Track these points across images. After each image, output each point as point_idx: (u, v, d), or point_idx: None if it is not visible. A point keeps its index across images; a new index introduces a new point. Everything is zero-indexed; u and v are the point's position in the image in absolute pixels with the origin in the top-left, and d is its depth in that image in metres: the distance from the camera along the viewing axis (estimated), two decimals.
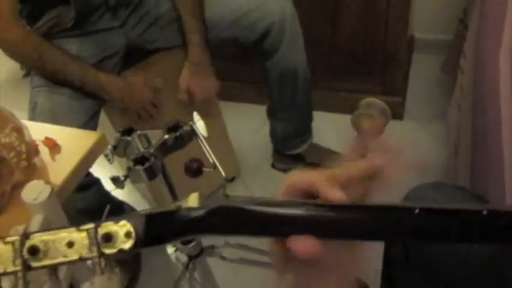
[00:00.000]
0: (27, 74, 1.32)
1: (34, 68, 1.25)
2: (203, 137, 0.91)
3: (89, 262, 0.32)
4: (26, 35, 1.19)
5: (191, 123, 0.91)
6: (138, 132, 0.89)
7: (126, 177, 0.85)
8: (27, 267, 0.32)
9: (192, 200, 0.34)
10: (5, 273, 0.31)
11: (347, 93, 1.84)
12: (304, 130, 1.67)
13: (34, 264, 0.32)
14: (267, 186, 1.71)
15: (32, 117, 1.21)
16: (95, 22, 1.30)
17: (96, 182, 1.34)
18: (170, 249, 1.35)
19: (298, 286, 0.38)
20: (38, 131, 0.90)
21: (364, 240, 0.35)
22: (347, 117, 1.59)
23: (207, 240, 1.13)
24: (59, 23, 1.27)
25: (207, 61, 1.37)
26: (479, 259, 0.61)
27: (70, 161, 0.87)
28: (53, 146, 0.90)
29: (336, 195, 0.34)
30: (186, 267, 1.11)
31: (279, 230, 0.34)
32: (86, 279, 0.34)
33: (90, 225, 0.32)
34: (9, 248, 0.31)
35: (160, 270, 1.52)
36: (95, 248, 0.32)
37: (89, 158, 0.89)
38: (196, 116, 0.93)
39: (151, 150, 0.86)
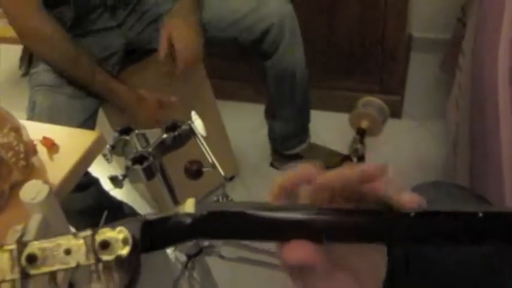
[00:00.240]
0: (25, 74, 1.32)
1: (62, 65, 1.22)
2: (201, 136, 0.91)
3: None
4: (59, 30, 1.18)
5: (189, 122, 0.91)
6: (137, 131, 0.89)
7: (124, 176, 0.85)
8: (25, 275, 0.32)
9: (189, 206, 0.35)
10: (4, 281, 0.32)
11: (345, 92, 1.84)
12: (302, 130, 1.67)
13: (32, 271, 0.32)
14: (266, 185, 1.71)
15: (31, 117, 1.21)
16: (93, 22, 1.30)
17: (95, 181, 1.33)
18: (169, 249, 1.35)
19: None
20: (36, 130, 0.90)
21: (360, 243, 0.35)
22: (345, 116, 1.60)
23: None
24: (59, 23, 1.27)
25: (195, 18, 1.29)
26: (480, 258, 0.61)
27: (68, 161, 0.87)
28: (51, 146, 0.90)
29: (330, 176, 0.34)
30: (185, 266, 1.11)
31: (277, 235, 0.34)
32: (85, 283, 0.34)
33: (87, 233, 0.32)
34: (7, 255, 0.32)
35: (159, 270, 1.52)
36: (92, 256, 0.32)
37: (87, 158, 0.89)
38: (194, 115, 0.93)
39: (150, 150, 0.86)
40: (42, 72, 1.25)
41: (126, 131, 0.90)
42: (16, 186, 0.78)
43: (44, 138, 0.91)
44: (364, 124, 1.54)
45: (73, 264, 0.32)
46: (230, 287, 1.41)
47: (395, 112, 1.80)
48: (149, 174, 0.85)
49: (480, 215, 0.32)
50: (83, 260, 0.32)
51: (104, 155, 0.90)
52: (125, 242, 0.32)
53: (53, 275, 0.33)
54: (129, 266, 0.33)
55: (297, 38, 1.41)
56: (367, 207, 0.34)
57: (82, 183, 1.20)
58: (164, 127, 0.89)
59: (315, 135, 1.72)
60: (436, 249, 0.64)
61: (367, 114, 1.54)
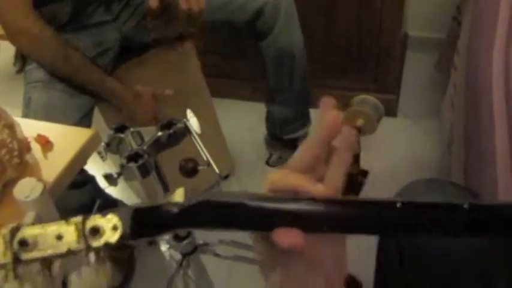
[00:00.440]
0: (20, 71, 1.31)
1: (53, 65, 1.21)
2: (196, 134, 0.91)
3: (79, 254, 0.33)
4: (48, 30, 1.17)
5: (184, 120, 0.91)
6: (131, 129, 0.89)
7: (119, 174, 0.85)
8: (17, 259, 0.32)
9: (178, 195, 0.36)
10: None
11: (341, 91, 1.84)
12: (303, 113, 1.66)
13: (24, 256, 0.33)
14: (261, 183, 1.71)
15: (26, 114, 1.20)
16: (89, 16, 1.30)
17: (91, 179, 1.33)
18: (164, 247, 1.35)
19: (285, 285, 0.38)
20: (30, 128, 0.90)
21: (348, 233, 0.36)
22: (340, 115, 1.60)
23: (200, 238, 1.13)
24: (55, 19, 1.27)
25: None
26: (471, 250, 0.62)
27: (63, 158, 0.86)
28: (45, 143, 0.90)
29: (319, 189, 0.35)
30: (180, 264, 1.11)
31: (265, 224, 0.35)
32: (75, 270, 0.35)
33: (79, 219, 0.33)
34: (0, 241, 0.33)
35: (154, 268, 1.52)
36: (82, 241, 0.33)
37: (82, 156, 0.89)
38: (189, 113, 0.93)
39: (145, 147, 0.86)
40: (37, 69, 1.25)
41: (121, 128, 0.89)
42: (10, 184, 0.78)
43: (38, 135, 0.90)
44: (359, 122, 1.54)
45: (64, 249, 0.33)
46: (225, 285, 1.41)
47: (391, 111, 1.80)
48: (144, 172, 0.85)
49: (465, 206, 0.33)
50: (73, 246, 0.33)
51: (99, 153, 0.90)
52: (114, 228, 0.33)
53: (46, 262, 0.33)
54: (125, 263, 0.34)
55: (294, 20, 1.41)
56: (353, 198, 0.35)
57: (77, 181, 1.19)
58: (159, 125, 0.89)
59: (311, 133, 1.72)
60: (429, 242, 0.64)
61: (362, 113, 1.54)
